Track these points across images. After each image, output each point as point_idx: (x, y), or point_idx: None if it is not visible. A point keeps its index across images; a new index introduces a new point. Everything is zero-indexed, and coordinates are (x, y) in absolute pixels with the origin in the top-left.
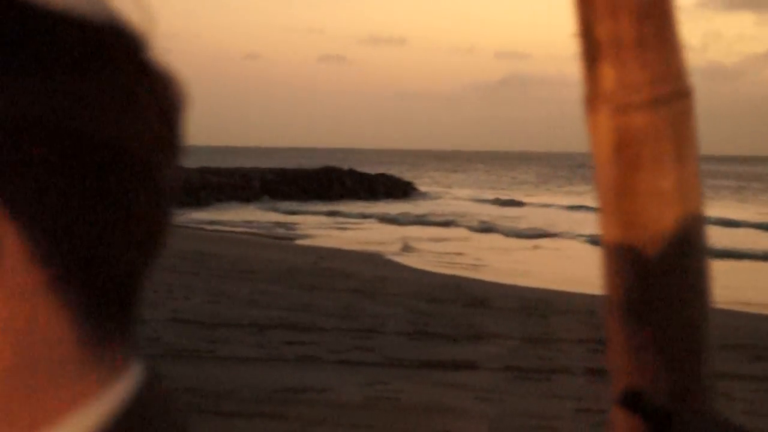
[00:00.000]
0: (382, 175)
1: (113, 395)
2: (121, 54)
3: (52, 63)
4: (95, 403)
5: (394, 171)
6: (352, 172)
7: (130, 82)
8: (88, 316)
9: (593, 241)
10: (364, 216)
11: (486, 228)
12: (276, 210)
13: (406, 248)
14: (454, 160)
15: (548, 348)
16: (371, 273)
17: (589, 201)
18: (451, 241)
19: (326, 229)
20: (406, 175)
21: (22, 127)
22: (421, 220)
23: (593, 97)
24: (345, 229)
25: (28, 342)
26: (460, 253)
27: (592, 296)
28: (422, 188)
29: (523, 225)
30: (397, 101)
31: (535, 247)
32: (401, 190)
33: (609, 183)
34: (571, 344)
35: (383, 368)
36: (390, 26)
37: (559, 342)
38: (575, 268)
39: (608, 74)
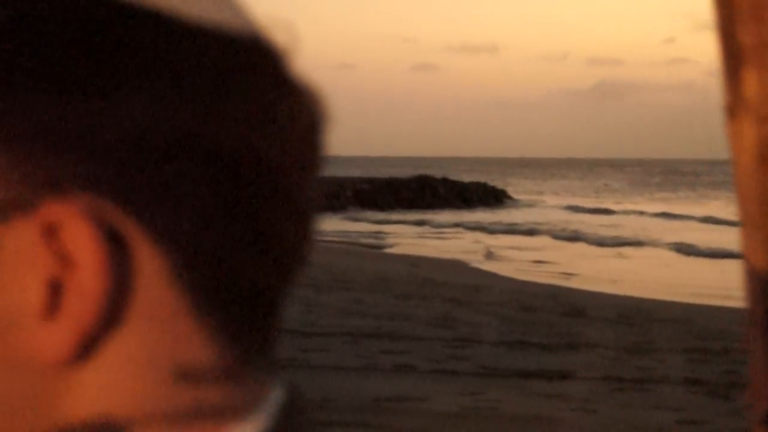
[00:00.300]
0: (476, 183)
1: (257, 418)
2: (262, 69)
3: (193, 79)
4: (240, 428)
5: (488, 179)
6: (445, 181)
7: (271, 98)
8: (229, 339)
9: (680, 249)
10: (454, 225)
11: (576, 236)
12: (366, 219)
13: (489, 255)
14: (547, 168)
15: (646, 358)
16: (464, 281)
17: (679, 208)
18: (545, 250)
19: (415, 238)
20: (499, 183)
21: (161, 145)
22: (512, 229)
23: (735, 105)
24: (433, 238)
25: (168, 369)
26: (553, 262)
27: (689, 305)
28: (515, 196)
29: (613, 233)
30: (489, 109)
31: (626, 256)
32: (494, 198)
33: (752, 194)
34: (670, 354)
35: (480, 378)
36: (482, 34)
37: (657, 351)
38: (668, 276)
39: (752, 81)
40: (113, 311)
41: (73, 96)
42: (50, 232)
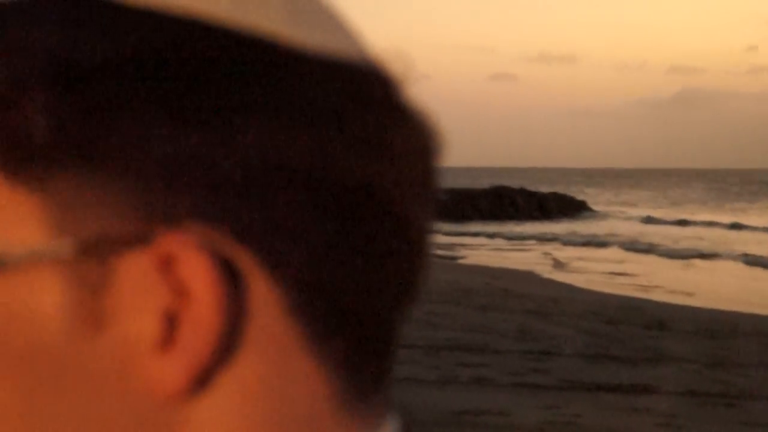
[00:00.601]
0: (554, 193)
1: None
2: (376, 98)
3: (307, 109)
4: None
5: (567, 189)
6: (522, 191)
7: (386, 127)
8: (345, 371)
9: (752, 261)
10: (528, 236)
11: (648, 248)
12: (441, 230)
13: (558, 266)
14: (627, 178)
15: (731, 372)
16: (542, 293)
17: (755, 219)
18: (616, 262)
19: (487, 249)
20: (578, 194)
21: (276, 176)
22: (584, 240)
23: None
24: (506, 249)
25: (284, 400)
26: (626, 274)
27: None
28: (594, 207)
29: (686, 245)
30: (568, 119)
31: (699, 268)
32: (573, 208)
33: None
34: (755, 368)
35: (560, 391)
36: (560, 44)
37: (741, 366)
38: (744, 289)
39: None
40: (228, 344)
41: (189, 128)
42: (166, 265)
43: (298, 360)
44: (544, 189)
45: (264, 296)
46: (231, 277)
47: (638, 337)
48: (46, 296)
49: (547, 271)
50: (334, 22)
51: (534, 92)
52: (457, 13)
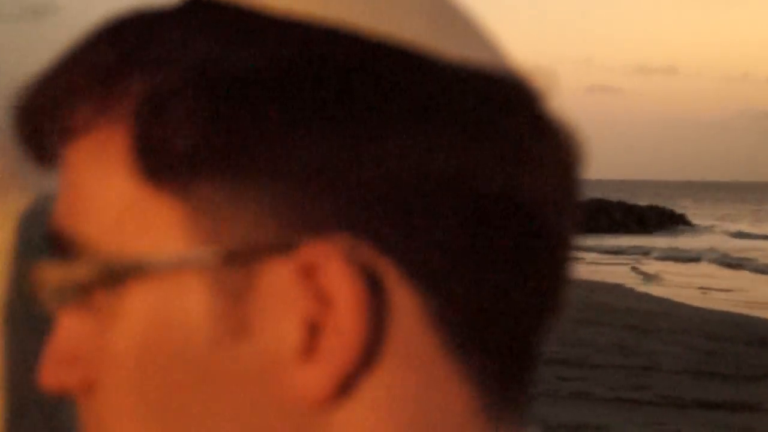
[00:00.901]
0: (653, 207)
1: None
2: (519, 109)
3: (451, 119)
4: None
5: (666, 203)
6: (620, 204)
7: (529, 138)
8: (485, 382)
9: None
10: (622, 250)
11: (739, 263)
12: None
13: (648, 279)
14: (729, 191)
15: None
16: (638, 307)
17: None
18: (708, 277)
19: (581, 263)
20: (678, 207)
21: (418, 184)
22: (677, 255)
23: None
24: (599, 263)
25: (425, 408)
26: (726, 289)
27: None
28: (694, 221)
29: None
30: (667, 131)
31: None
32: (672, 222)
33: None
34: None
35: (661, 407)
36: (660, 55)
37: None
38: None
39: None
40: (370, 352)
41: (332, 137)
42: (308, 273)
43: (439, 369)
44: (642, 202)
45: (405, 305)
46: (373, 286)
47: (740, 353)
48: (190, 303)
49: (637, 285)
50: (476, 32)
51: (633, 104)
52: (554, 25)
